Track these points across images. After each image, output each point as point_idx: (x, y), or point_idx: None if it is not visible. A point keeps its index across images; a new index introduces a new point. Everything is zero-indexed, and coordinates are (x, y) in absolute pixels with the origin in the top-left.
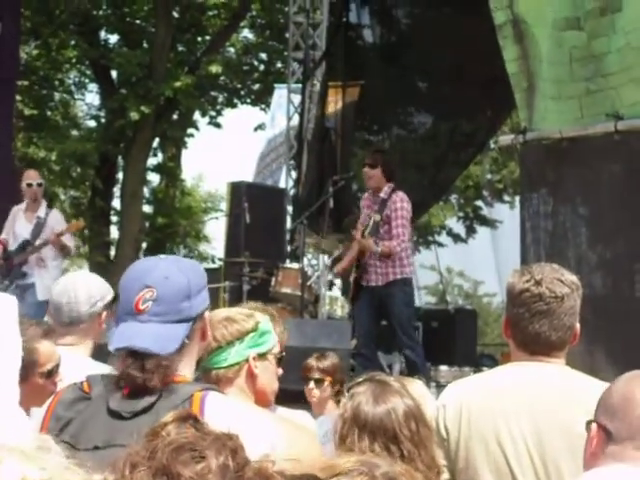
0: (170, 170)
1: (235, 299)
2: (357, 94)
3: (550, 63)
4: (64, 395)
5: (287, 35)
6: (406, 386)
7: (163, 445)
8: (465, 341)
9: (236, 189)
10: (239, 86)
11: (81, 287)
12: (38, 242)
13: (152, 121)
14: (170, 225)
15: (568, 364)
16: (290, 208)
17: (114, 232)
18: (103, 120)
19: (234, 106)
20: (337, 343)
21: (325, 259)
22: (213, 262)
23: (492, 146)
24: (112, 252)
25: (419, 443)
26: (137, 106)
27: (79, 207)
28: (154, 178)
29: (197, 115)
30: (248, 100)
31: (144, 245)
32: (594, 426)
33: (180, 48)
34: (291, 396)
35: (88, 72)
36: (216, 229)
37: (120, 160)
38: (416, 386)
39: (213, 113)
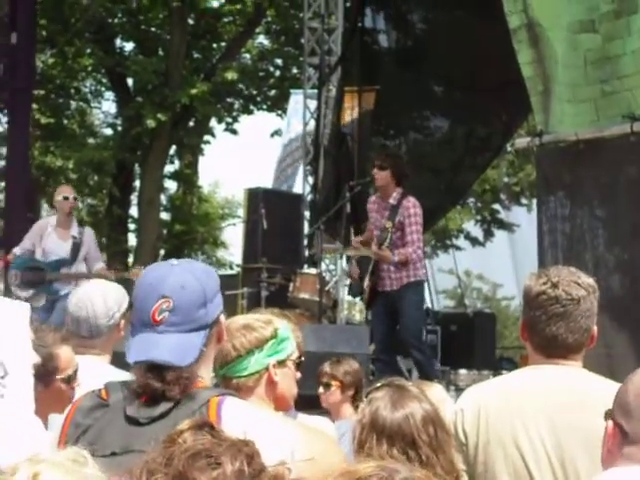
0: (187, 177)
1: (253, 305)
2: (373, 99)
3: (565, 66)
4: (82, 403)
5: (302, 41)
6: (425, 391)
7: (179, 452)
8: (484, 344)
9: (253, 195)
10: (255, 92)
11: (98, 300)
12: (75, 268)
13: (168, 128)
14: (188, 232)
15: (586, 366)
16: (307, 213)
17: (132, 240)
18: (120, 128)
19: (250, 112)
20: (356, 348)
21: (343, 264)
22: (231, 268)
23: (509, 149)
24: (130, 260)
25: (437, 448)
26: (153, 114)
27: (97, 215)
28: (171, 185)
29: (213, 122)
30: (264, 106)
31: (162, 252)
32: (610, 423)
33: (196, 55)
34: (309, 402)
35: (104, 80)
36: (234, 235)
37: (137, 168)
38: (435, 390)
39: (229, 120)
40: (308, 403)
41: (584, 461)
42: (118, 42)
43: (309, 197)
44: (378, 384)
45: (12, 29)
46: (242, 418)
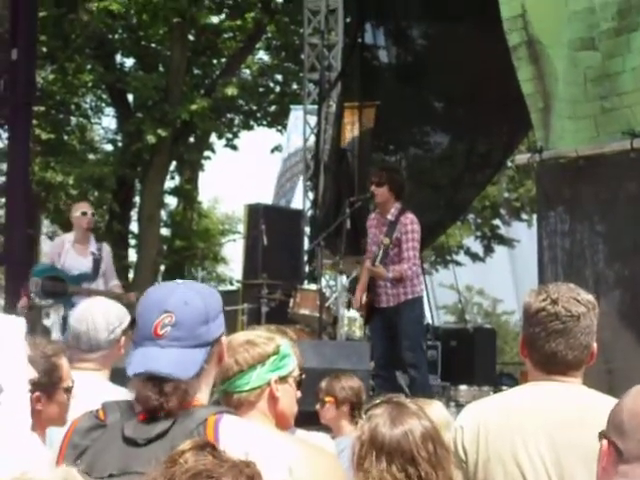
0: (187, 193)
1: (253, 321)
2: (373, 115)
3: (566, 83)
4: (80, 424)
5: (302, 56)
6: (424, 408)
7: (180, 472)
8: (484, 360)
9: (253, 211)
10: (255, 108)
11: (99, 315)
12: (96, 285)
13: (169, 144)
14: (188, 248)
15: (586, 383)
16: (307, 229)
17: (132, 255)
18: (120, 144)
19: (250, 128)
20: (356, 364)
21: (343, 280)
22: (231, 284)
23: (509, 165)
24: (130, 275)
25: (437, 464)
26: (154, 129)
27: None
28: (171, 201)
29: (213, 137)
30: (264, 122)
31: (162, 268)
32: (605, 442)
33: (196, 71)
34: (308, 418)
35: (104, 96)
36: (234, 251)
37: (137, 183)
38: (435, 407)
39: (229, 135)
40: (308, 419)
41: (584, 478)
42: (118, 58)
43: (309, 213)
44: (377, 401)
45: (13, 45)
46: (240, 436)
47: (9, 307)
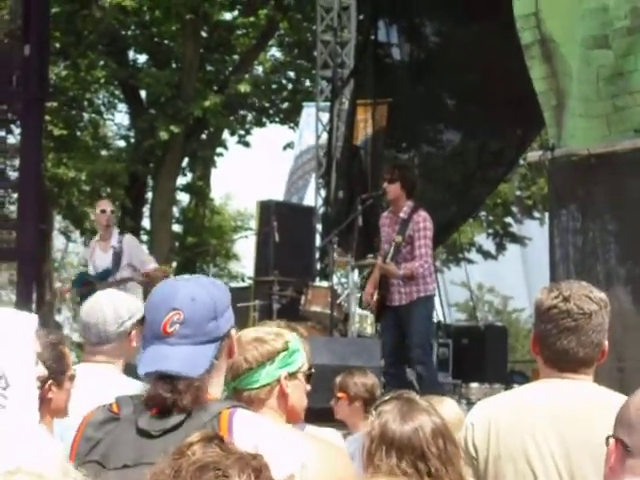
0: (199, 189)
1: (265, 318)
2: (386, 112)
3: (579, 81)
4: (93, 416)
5: (315, 53)
6: (436, 405)
7: (187, 464)
8: (496, 358)
9: (265, 208)
10: (267, 105)
11: (109, 307)
12: (120, 275)
13: (181, 141)
14: (200, 244)
15: (597, 381)
16: (319, 226)
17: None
18: (132, 140)
19: (263, 125)
20: (367, 361)
21: (355, 277)
22: (243, 281)
23: (521, 162)
24: None
25: (447, 461)
26: (166, 126)
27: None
28: (184, 197)
29: (226, 134)
30: (277, 119)
31: (174, 264)
32: (612, 441)
33: (208, 67)
34: (320, 414)
35: (117, 92)
36: (246, 248)
37: (150, 180)
38: (448, 405)
39: (242, 132)
40: (319, 416)
41: (594, 476)
42: (131, 54)
43: (321, 210)
44: (387, 397)
45: (25, 41)
46: (253, 430)
47: (21, 302)
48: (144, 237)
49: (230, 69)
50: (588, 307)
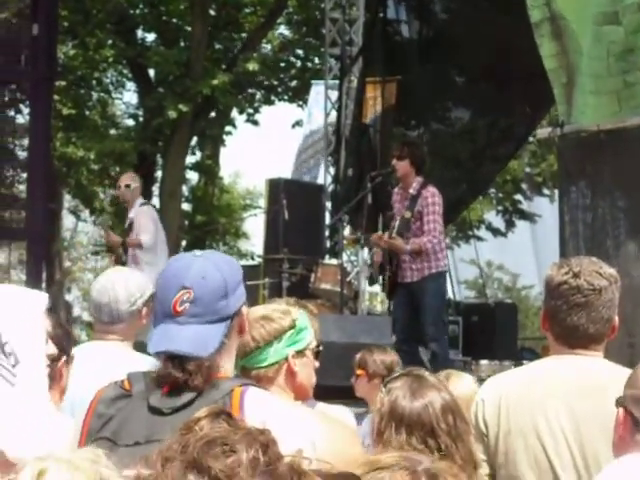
0: (208, 168)
1: (275, 296)
2: (395, 90)
3: (590, 58)
4: (105, 393)
5: (324, 31)
6: (454, 380)
7: (195, 439)
8: (505, 335)
9: (274, 186)
10: (276, 83)
11: (120, 286)
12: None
13: (190, 119)
14: (209, 223)
15: (607, 357)
16: (329, 204)
17: None
18: (141, 119)
19: (271, 103)
20: (377, 339)
21: (365, 255)
22: (252, 259)
23: (530, 139)
24: None
25: (456, 437)
26: (175, 104)
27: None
28: (193, 176)
29: (235, 112)
30: (285, 97)
31: (184, 243)
32: (621, 411)
33: (217, 46)
34: (331, 392)
35: (125, 71)
36: (255, 226)
37: (159, 159)
38: (466, 380)
39: (250, 110)
40: (329, 393)
41: (605, 452)
42: (139, 33)
43: (330, 188)
44: (396, 374)
45: (34, 20)
46: (264, 408)
47: (31, 281)
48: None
49: (238, 47)
50: (598, 283)
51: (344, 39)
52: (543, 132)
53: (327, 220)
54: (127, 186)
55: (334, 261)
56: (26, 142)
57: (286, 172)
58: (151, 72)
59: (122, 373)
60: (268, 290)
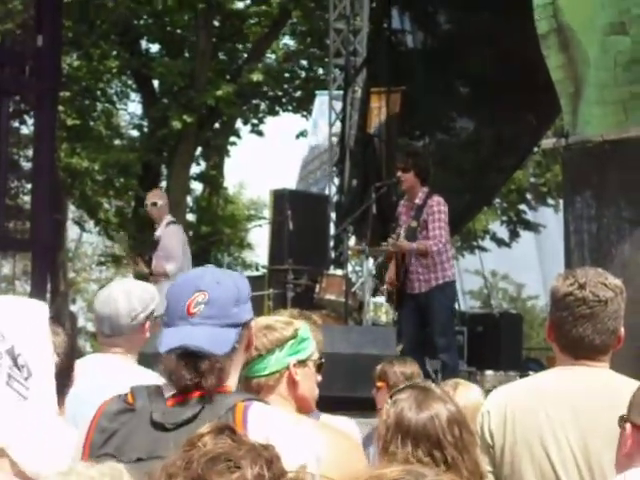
0: (213, 178)
1: (279, 306)
2: (399, 100)
3: (596, 68)
4: (108, 407)
5: (328, 42)
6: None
7: (199, 455)
8: (511, 345)
9: (279, 196)
10: (280, 93)
11: (122, 299)
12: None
13: (194, 130)
14: (214, 233)
15: (613, 368)
16: (333, 215)
17: None
18: (146, 130)
19: (276, 114)
20: (382, 349)
21: (369, 265)
22: (257, 270)
23: (535, 149)
24: None
25: (462, 449)
26: (179, 115)
27: (123, 217)
28: (197, 187)
29: (239, 123)
30: (289, 107)
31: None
32: (629, 426)
33: (221, 57)
34: (337, 403)
35: (130, 82)
36: (259, 236)
37: (163, 169)
38: (473, 391)
39: (255, 121)
40: (335, 405)
41: (611, 463)
42: (144, 44)
43: (335, 198)
44: (402, 385)
45: (38, 31)
46: (268, 423)
47: (36, 293)
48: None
49: (243, 58)
50: (604, 294)
51: (348, 49)
52: (548, 142)
53: (332, 231)
54: (154, 204)
55: (339, 272)
56: (30, 153)
57: (291, 183)
58: (155, 83)
59: (124, 386)
60: (273, 301)
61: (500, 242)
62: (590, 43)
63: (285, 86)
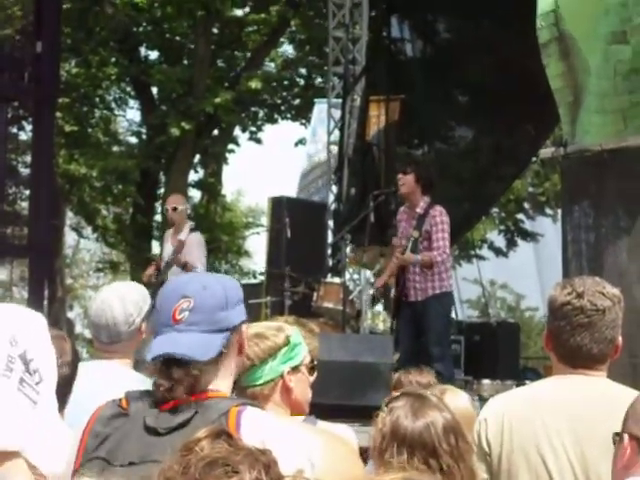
0: (211, 186)
1: (277, 314)
2: (398, 108)
3: (598, 77)
4: (102, 411)
5: (327, 50)
6: (450, 396)
7: (196, 460)
8: (508, 354)
9: (277, 204)
10: (279, 101)
11: (117, 306)
12: (171, 272)
13: (193, 137)
14: (212, 241)
15: (610, 377)
16: (331, 223)
17: (156, 248)
18: (144, 136)
19: (274, 121)
20: (379, 357)
21: (367, 274)
22: (254, 277)
23: (533, 159)
24: None
25: (458, 457)
26: (178, 122)
27: (121, 223)
28: (195, 194)
29: (237, 130)
30: (288, 115)
31: None
32: (626, 437)
33: (220, 64)
34: (334, 411)
35: (128, 89)
36: (257, 244)
37: (161, 176)
38: (461, 398)
39: (253, 128)
40: (331, 412)
41: (608, 472)
42: (143, 51)
43: (333, 206)
44: (397, 393)
45: (37, 38)
46: (262, 428)
47: (33, 299)
48: (156, 233)
49: (242, 66)
50: (601, 303)
51: (347, 58)
52: (546, 152)
53: (329, 239)
54: (174, 209)
55: (336, 280)
56: (29, 159)
57: (289, 190)
58: (154, 90)
59: (120, 393)
60: (270, 309)
61: (498, 251)
62: (591, 51)
63: (284, 94)
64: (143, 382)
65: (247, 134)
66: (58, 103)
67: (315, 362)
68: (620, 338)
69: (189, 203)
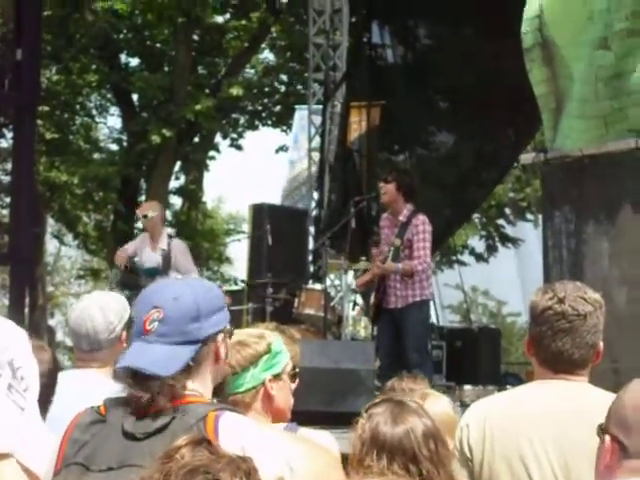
0: (192, 193)
1: (258, 321)
2: (379, 114)
3: (581, 83)
4: (81, 418)
5: (307, 56)
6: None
7: (177, 468)
8: (489, 360)
9: (258, 211)
10: (260, 108)
11: (97, 315)
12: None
13: (174, 144)
14: (193, 247)
15: (592, 382)
16: (312, 229)
17: None
18: (125, 144)
19: (255, 128)
20: (361, 364)
21: (348, 280)
22: (236, 284)
23: (514, 164)
24: None
25: (438, 462)
26: (159, 129)
27: (102, 230)
28: (176, 201)
29: (218, 137)
30: (269, 122)
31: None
32: (608, 439)
33: (201, 71)
34: (315, 417)
35: (109, 96)
36: (238, 251)
37: (142, 183)
38: (441, 402)
39: (234, 135)
40: (313, 419)
41: (590, 475)
42: (123, 58)
43: (314, 213)
44: (377, 399)
45: (17, 45)
46: (240, 433)
47: (14, 307)
48: None
49: (222, 72)
50: (583, 308)
51: (328, 64)
52: (527, 157)
53: (311, 245)
54: (145, 216)
55: (318, 286)
56: (9, 166)
57: (270, 197)
58: (135, 97)
59: (98, 401)
60: (251, 315)
61: (479, 257)
62: (575, 58)
63: (265, 100)
64: (122, 391)
65: (228, 141)
66: (39, 110)
67: (297, 369)
68: (601, 343)
69: (170, 210)
